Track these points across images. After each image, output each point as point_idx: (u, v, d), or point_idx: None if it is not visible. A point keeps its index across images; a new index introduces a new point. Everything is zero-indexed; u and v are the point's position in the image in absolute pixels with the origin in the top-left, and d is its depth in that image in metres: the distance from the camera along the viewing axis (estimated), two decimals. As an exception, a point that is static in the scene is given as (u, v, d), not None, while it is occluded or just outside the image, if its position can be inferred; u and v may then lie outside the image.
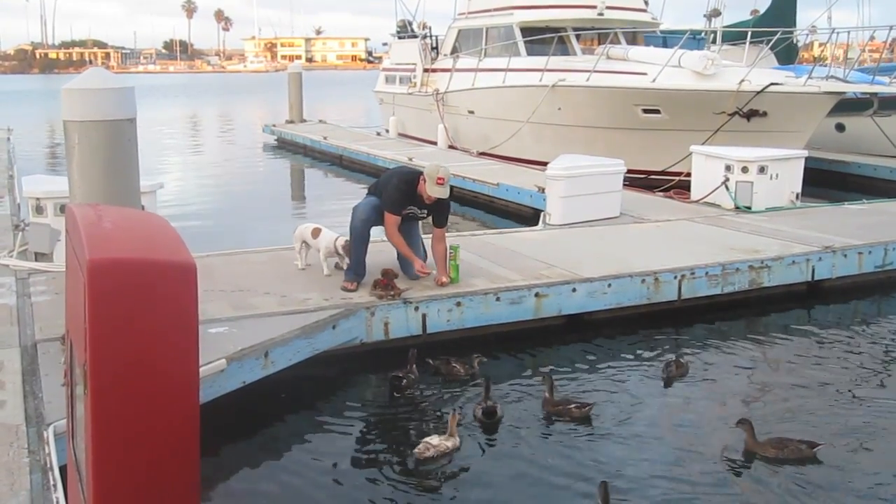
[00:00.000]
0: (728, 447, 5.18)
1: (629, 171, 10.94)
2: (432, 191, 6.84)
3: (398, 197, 6.97)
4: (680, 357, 6.54)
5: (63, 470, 3.75)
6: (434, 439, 5.10)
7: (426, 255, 7.33)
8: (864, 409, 5.81)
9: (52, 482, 3.83)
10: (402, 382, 6.02)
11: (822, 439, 5.18)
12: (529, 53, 17.44)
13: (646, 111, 14.77)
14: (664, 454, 5.14)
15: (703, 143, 12.70)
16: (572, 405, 5.62)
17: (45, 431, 4.30)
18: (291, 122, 26.29)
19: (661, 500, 4.62)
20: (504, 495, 4.69)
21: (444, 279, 7.06)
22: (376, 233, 7.26)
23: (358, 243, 6.98)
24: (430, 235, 7.24)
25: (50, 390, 4.78)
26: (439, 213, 7.14)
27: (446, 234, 7.23)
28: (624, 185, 10.78)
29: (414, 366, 6.12)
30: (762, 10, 23.66)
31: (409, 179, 7.03)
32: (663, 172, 14.30)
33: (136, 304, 2.49)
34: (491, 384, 5.74)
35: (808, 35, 20.68)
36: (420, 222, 7.51)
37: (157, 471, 2.63)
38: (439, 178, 6.80)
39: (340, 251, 7.10)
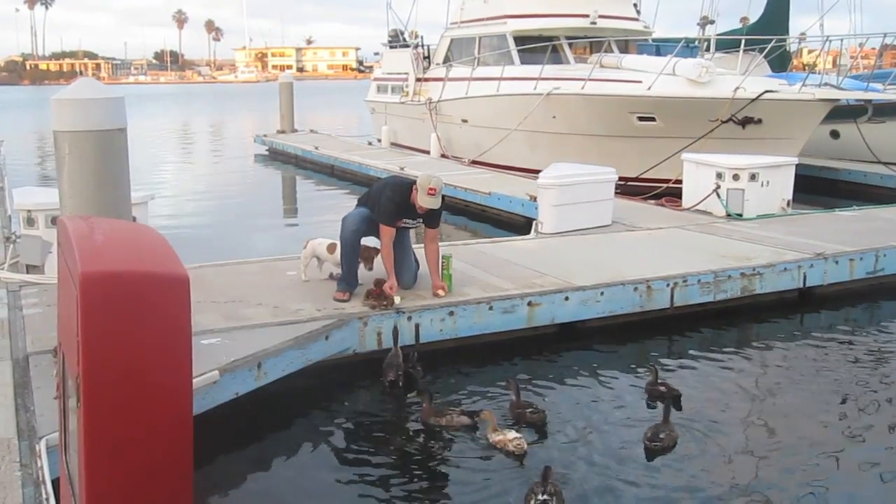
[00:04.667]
0: (726, 455, 5.19)
1: (624, 179, 10.93)
2: (423, 201, 6.83)
3: (392, 208, 6.94)
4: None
5: (56, 483, 3.74)
6: (510, 434, 5.20)
7: (418, 265, 7.33)
8: (855, 415, 5.82)
9: (44, 496, 3.81)
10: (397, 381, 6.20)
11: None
12: (523, 62, 17.47)
13: (641, 119, 14.80)
14: (646, 459, 5.14)
15: (698, 151, 12.74)
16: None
17: (37, 445, 4.27)
18: (283, 132, 26.27)
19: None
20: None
21: (441, 293, 7.03)
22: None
23: (349, 254, 6.98)
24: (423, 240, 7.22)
25: (42, 403, 4.75)
26: (431, 218, 7.14)
27: (440, 244, 7.22)
28: (617, 192, 10.80)
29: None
30: (753, 18, 23.79)
31: (401, 190, 6.99)
32: (654, 179, 14.30)
33: (129, 316, 2.48)
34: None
35: (800, 43, 20.78)
36: (411, 230, 7.49)
37: (150, 483, 2.62)
38: (430, 189, 6.79)
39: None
